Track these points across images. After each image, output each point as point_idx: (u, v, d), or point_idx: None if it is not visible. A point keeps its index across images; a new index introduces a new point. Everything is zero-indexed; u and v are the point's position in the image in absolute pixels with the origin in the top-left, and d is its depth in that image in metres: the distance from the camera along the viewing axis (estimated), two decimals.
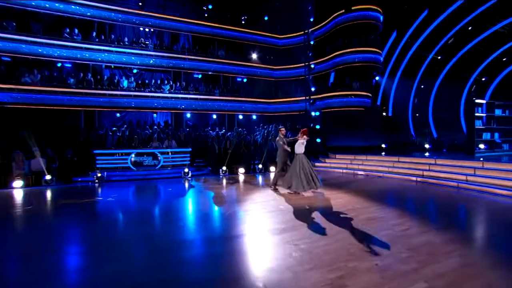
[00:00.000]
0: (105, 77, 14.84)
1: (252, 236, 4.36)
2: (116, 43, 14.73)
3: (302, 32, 17.95)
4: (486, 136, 11.08)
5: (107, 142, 11.88)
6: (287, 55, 18.98)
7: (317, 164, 13.11)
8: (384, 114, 17.56)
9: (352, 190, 7.82)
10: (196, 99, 16.64)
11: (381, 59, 16.24)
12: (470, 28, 14.11)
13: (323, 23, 17.47)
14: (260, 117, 18.87)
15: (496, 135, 11.34)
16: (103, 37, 14.53)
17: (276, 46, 19.43)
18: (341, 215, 5.36)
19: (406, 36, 16.17)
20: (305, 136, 7.43)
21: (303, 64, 17.77)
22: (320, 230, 4.49)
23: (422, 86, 16.65)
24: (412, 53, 16.14)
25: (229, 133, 13.76)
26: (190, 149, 11.49)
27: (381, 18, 16.06)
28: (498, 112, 11.41)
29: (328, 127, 15.57)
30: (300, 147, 7.39)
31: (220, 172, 11.30)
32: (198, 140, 13.45)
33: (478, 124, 10.68)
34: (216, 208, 6.37)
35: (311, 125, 16.38)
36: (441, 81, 16.00)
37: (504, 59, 14.11)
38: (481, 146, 10.89)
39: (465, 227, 4.90)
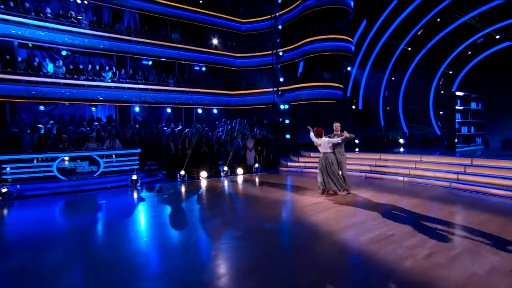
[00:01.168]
0: (20, 58, 11.46)
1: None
2: (33, 14, 11.37)
3: (269, 16, 16.25)
4: (464, 130, 10.71)
5: (23, 143, 9.15)
6: (251, 42, 17.27)
7: (289, 164, 11.68)
8: (354, 107, 16.83)
9: (337, 196, 6.51)
10: (146, 89, 14.21)
11: (353, 48, 15.35)
12: (438, 19, 13.87)
13: (292, 7, 15.97)
14: (221, 111, 17.01)
15: (473, 129, 11.06)
16: (12, 4, 11.10)
17: (239, 31, 17.53)
18: (329, 239, 4.05)
19: (376, 26, 15.52)
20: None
21: (270, 52, 16.12)
22: (312, 272, 3.08)
23: (393, 78, 16.23)
24: (383, 43, 15.56)
25: (187, 130, 11.70)
26: (139, 150, 9.47)
27: (352, 4, 15.11)
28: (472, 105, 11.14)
29: (298, 121, 14.22)
30: (326, 145, 6.85)
31: (178, 177, 9.50)
32: (149, 139, 11.23)
33: (458, 118, 10.21)
34: (175, 232, 4.68)
35: (280, 119, 14.95)
36: (411, 72, 15.71)
37: (469, 53, 14.11)
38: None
39: (496, 245, 3.64)
